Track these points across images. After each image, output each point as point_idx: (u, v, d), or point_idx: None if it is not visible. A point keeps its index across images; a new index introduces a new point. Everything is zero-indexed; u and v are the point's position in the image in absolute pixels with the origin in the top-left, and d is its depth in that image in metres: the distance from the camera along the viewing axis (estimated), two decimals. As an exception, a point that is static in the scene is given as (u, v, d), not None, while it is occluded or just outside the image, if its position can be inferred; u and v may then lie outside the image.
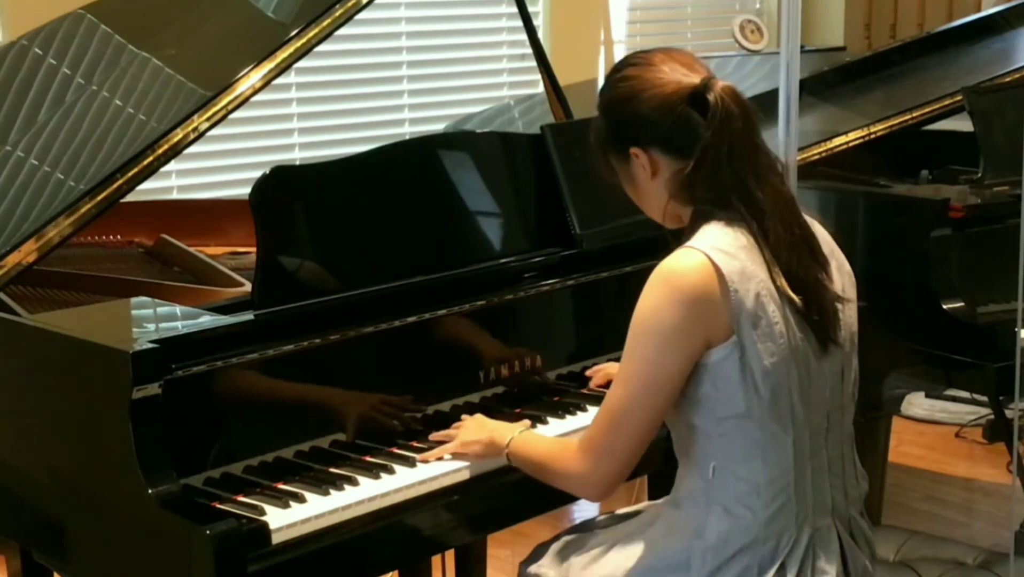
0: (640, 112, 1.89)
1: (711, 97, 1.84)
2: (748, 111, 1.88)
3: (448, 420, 2.23)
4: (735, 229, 1.85)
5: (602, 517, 2.21)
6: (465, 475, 2.08)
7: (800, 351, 1.86)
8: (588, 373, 2.43)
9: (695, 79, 1.87)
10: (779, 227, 1.86)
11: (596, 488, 1.93)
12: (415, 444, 2.16)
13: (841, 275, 1.97)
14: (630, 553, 1.99)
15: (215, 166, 4.27)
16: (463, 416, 2.20)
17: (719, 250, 1.82)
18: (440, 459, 2.10)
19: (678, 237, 1.90)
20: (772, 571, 1.88)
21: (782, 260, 1.85)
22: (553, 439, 2.06)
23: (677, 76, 1.88)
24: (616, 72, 1.96)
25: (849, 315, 1.96)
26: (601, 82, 2.03)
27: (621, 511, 2.17)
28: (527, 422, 2.20)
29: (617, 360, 2.45)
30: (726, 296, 1.80)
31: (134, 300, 2.24)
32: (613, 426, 1.88)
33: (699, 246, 1.83)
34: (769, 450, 1.87)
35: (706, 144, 1.84)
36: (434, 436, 2.16)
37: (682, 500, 1.95)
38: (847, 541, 1.97)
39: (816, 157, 3.31)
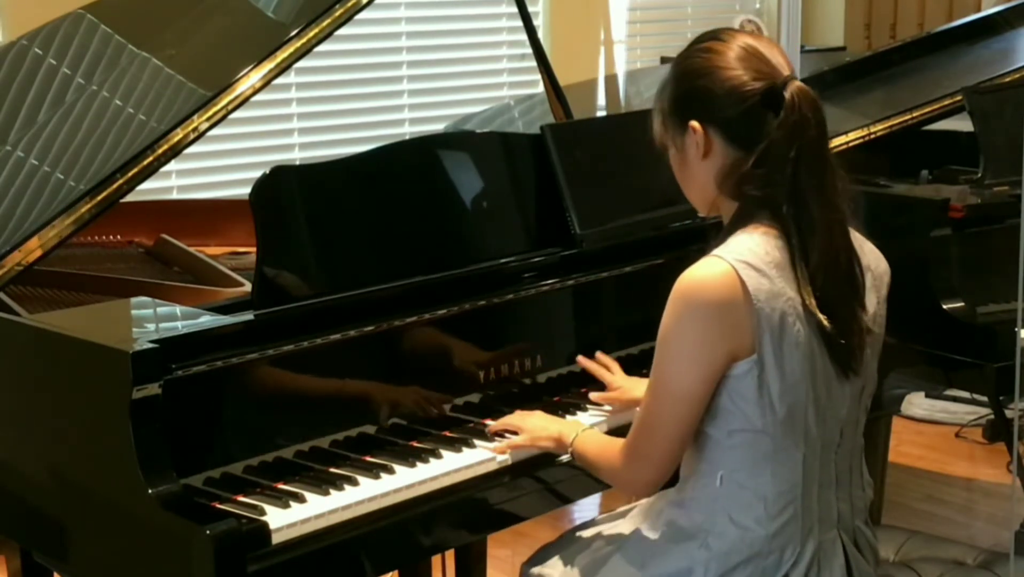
0: (712, 90, 1.85)
1: (787, 97, 1.80)
2: (823, 122, 1.84)
3: (448, 420, 2.23)
4: (772, 240, 1.82)
5: (603, 516, 2.21)
6: (465, 475, 2.09)
7: (820, 373, 1.85)
8: (594, 398, 2.37)
9: (776, 75, 1.83)
10: (827, 248, 1.82)
11: (636, 487, 2.00)
12: (415, 444, 2.16)
13: (877, 287, 1.94)
14: (633, 559, 1.98)
15: (215, 166, 4.27)
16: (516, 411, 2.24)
17: (747, 264, 1.79)
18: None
19: (718, 229, 1.89)
20: (774, 582, 1.88)
21: (818, 282, 1.81)
22: (607, 439, 2.09)
23: (759, 66, 1.84)
24: (699, 41, 1.92)
25: (876, 336, 1.94)
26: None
27: (622, 509, 2.17)
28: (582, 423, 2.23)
29: (617, 360, 2.47)
30: (750, 310, 1.78)
31: (134, 300, 2.24)
32: (645, 433, 1.90)
33: (727, 256, 1.80)
34: (779, 464, 1.86)
35: (771, 143, 1.81)
36: (495, 427, 2.20)
37: (687, 502, 1.94)
38: (852, 552, 1.96)
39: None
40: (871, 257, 1.95)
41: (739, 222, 1.86)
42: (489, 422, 2.23)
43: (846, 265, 1.86)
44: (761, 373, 1.80)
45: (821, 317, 1.81)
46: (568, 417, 2.30)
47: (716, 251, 1.82)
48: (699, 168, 1.91)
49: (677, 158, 1.96)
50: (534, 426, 2.17)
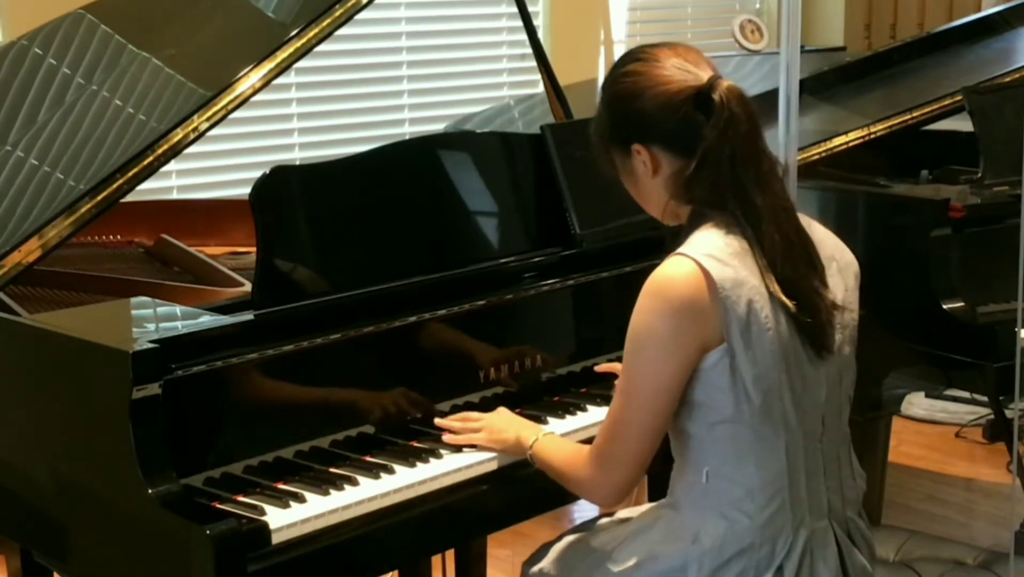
0: (644, 110, 1.89)
1: (716, 98, 1.84)
2: (753, 114, 1.88)
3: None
4: (730, 234, 1.86)
5: (603, 519, 2.21)
6: (465, 475, 2.09)
7: (793, 356, 1.86)
8: (597, 369, 2.40)
9: (701, 78, 1.87)
10: (776, 233, 1.85)
11: (605, 495, 1.96)
12: (415, 444, 2.16)
13: (844, 276, 1.96)
14: (629, 558, 1.99)
15: (215, 166, 4.26)
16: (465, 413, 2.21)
17: (711, 257, 1.82)
18: (465, 447, 2.13)
19: (676, 237, 1.91)
20: (769, 574, 1.88)
21: (777, 266, 1.84)
22: (571, 445, 2.07)
23: (683, 75, 1.88)
24: (621, 66, 1.95)
25: (847, 320, 1.95)
26: (601, 82, 2.03)
27: (621, 513, 2.17)
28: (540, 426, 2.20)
29: (617, 360, 2.47)
30: (716, 302, 1.81)
31: (134, 300, 2.24)
32: (615, 436, 1.90)
33: (690, 253, 1.83)
34: (762, 454, 1.87)
35: (708, 145, 1.85)
36: (453, 419, 2.18)
37: (679, 504, 1.96)
38: (844, 542, 1.97)
39: (816, 157, 3.30)
40: (834, 248, 1.98)
41: (695, 222, 1.90)
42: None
43: (800, 246, 1.89)
44: (732, 361, 1.82)
45: (787, 301, 1.84)
46: (568, 418, 2.30)
47: (679, 250, 1.86)
48: (651, 185, 1.96)
49: (629, 180, 2.00)
50: (493, 425, 2.15)
